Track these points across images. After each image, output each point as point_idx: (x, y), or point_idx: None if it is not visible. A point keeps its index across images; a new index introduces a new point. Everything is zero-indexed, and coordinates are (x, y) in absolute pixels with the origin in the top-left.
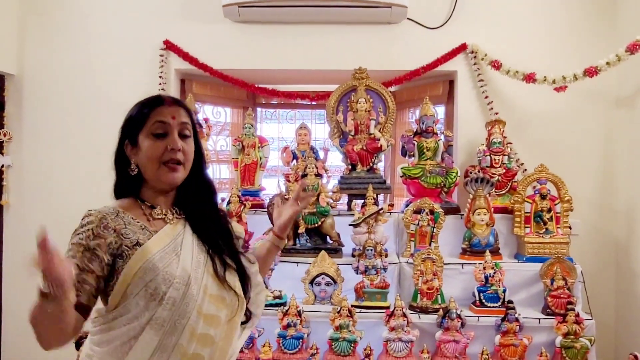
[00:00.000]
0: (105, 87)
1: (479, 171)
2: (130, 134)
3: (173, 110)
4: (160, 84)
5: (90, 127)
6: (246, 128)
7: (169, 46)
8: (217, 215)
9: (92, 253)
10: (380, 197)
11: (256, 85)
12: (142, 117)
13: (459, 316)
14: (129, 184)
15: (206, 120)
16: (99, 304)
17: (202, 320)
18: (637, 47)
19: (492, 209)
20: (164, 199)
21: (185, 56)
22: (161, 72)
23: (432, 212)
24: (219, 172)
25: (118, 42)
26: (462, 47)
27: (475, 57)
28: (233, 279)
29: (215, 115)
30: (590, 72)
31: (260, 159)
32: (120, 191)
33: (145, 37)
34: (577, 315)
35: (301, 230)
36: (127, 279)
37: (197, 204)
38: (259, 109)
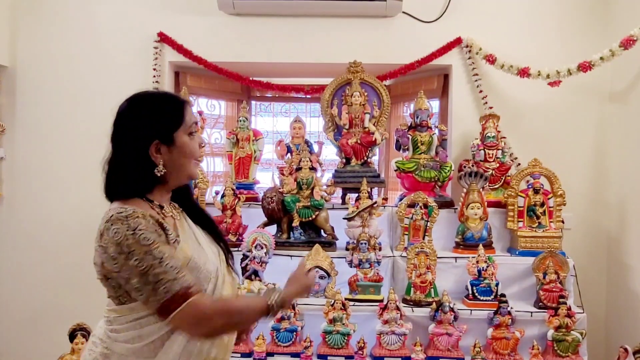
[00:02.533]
0: (99, 80)
1: (472, 165)
2: (164, 134)
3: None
4: (154, 76)
5: (84, 119)
6: (240, 121)
7: (163, 38)
8: (199, 206)
9: (171, 245)
10: (375, 190)
11: (251, 79)
12: (179, 117)
13: (451, 309)
14: (140, 184)
15: (200, 113)
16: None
17: None
18: (631, 42)
19: (486, 203)
20: (167, 196)
21: (179, 48)
22: (155, 65)
23: (425, 206)
24: (214, 165)
25: (112, 34)
26: (457, 41)
27: (469, 51)
28: (231, 262)
29: (210, 108)
30: (584, 67)
31: (255, 152)
32: (123, 191)
33: (139, 29)
34: (569, 308)
35: (295, 223)
36: None
37: (189, 198)
38: (253, 102)
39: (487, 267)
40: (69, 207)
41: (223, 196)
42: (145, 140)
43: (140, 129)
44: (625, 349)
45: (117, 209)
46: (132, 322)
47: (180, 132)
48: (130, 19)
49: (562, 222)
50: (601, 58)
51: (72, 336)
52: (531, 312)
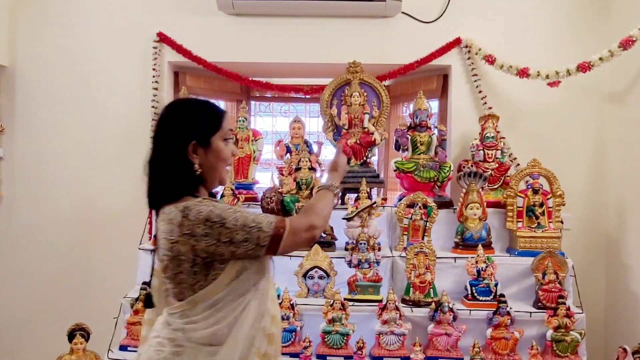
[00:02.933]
0: (98, 80)
1: (472, 165)
2: (201, 136)
3: None
4: (153, 76)
5: (83, 119)
6: (240, 121)
7: (163, 38)
8: None
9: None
10: (374, 190)
11: (250, 79)
12: (217, 123)
13: (451, 310)
14: (188, 182)
15: None
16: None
17: None
18: (630, 42)
19: (485, 203)
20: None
21: (178, 49)
22: (154, 65)
23: (425, 206)
24: None
25: (111, 34)
26: (457, 42)
27: (469, 51)
28: None
29: None
30: (583, 68)
31: (254, 152)
32: (175, 192)
33: (139, 29)
34: (568, 309)
35: None
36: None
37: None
38: (252, 102)
39: (486, 267)
40: (68, 207)
41: (222, 196)
42: (184, 140)
43: (181, 129)
44: (624, 349)
45: (181, 204)
46: (209, 309)
47: (217, 137)
48: (130, 19)
49: (561, 222)
50: (600, 58)
51: (71, 336)
52: (530, 313)
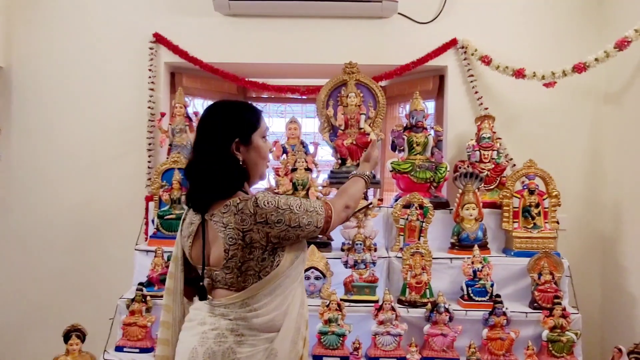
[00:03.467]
0: (94, 80)
1: (468, 166)
2: (243, 134)
3: None
4: (149, 77)
5: (80, 120)
6: None
7: (159, 39)
8: None
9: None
10: (370, 191)
11: (246, 79)
12: (256, 121)
13: (447, 310)
14: (240, 178)
15: (196, 114)
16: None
17: None
18: (626, 43)
19: (481, 204)
20: None
21: (175, 49)
22: (151, 65)
23: (421, 206)
24: None
25: (107, 35)
26: (453, 42)
27: (465, 52)
28: None
29: None
30: (579, 68)
31: None
32: (228, 187)
33: (135, 30)
34: (564, 309)
35: None
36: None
37: None
38: None
39: (482, 267)
40: (64, 208)
41: None
42: (228, 138)
43: (224, 129)
44: (620, 350)
45: (247, 196)
46: (269, 295)
47: (257, 135)
48: (126, 19)
49: (557, 222)
50: (596, 59)
51: (66, 337)
52: (526, 313)
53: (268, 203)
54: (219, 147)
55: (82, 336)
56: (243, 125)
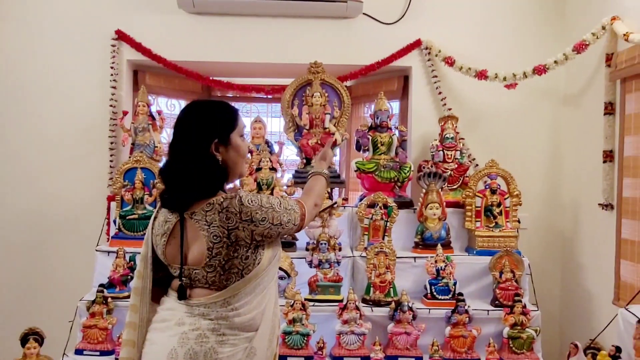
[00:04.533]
0: (55, 78)
1: (431, 166)
2: (222, 134)
3: None
4: (112, 75)
5: (40, 119)
6: None
7: (121, 36)
8: None
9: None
10: (335, 191)
11: (211, 78)
12: (233, 120)
13: (410, 309)
14: (221, 178)
15: (159, 112)
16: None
17: None
18: (584, 46)
19: (444, 203)
20: None
21: (138, 47)
22: (113, 63)
23: (385, 206)
24: None
25: (68, 32)
26: (417, 43)
27: (429, 53)
28: None
29: (169, 108)
30: (539, 70)
31: None
32: (211, 188)
33: (96, 26)
34: (524, 306)
35: None
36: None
37: None
38: None
39: (446, 266)
40: (23, 208)
41: None
42: (206, 139)
43: (202, 129)
44: (576, 345)
45: (230, 195)
46: (249, 294)
47: (235, 134)
48: (87, 16)
49: (518, 221)
50: (555, 62)
51: (24, 341)
52: (488, 311)
53: (252, 202)
54: (197, 147)
55: (40, 339)
56: (221, 125)
